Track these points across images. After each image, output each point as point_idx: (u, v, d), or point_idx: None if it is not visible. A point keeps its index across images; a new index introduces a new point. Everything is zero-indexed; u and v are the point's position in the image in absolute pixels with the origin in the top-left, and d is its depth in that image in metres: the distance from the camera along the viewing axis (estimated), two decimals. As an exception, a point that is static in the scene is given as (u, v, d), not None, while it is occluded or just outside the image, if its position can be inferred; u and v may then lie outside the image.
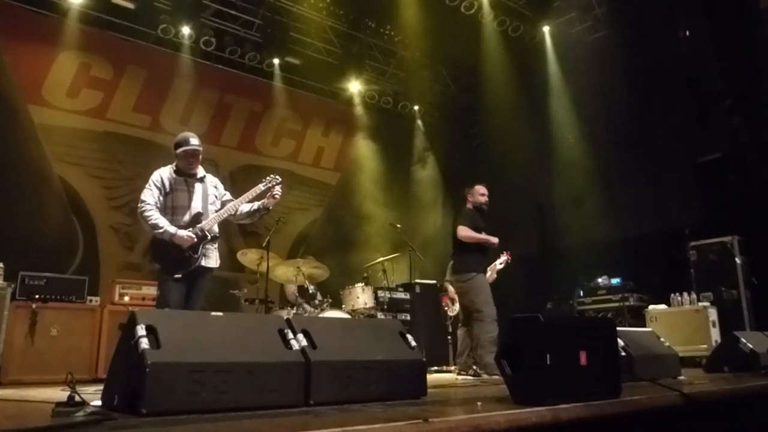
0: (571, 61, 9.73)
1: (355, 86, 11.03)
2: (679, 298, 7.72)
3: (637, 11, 8.76)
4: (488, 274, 7.84)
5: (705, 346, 7.08)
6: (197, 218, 4.41)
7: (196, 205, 4.45)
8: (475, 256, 5.81)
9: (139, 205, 4.37)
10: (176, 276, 4.26)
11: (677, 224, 8.31)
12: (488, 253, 6.00)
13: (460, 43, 10.07)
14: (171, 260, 4.28)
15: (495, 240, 5.87)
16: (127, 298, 6.79)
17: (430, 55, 10.64)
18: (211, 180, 4.67)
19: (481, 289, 5.72)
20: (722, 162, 8.28)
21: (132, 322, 2.57)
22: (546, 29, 10.08)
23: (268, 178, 4.59)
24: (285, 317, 3.09)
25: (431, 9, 9.32)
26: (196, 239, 4.30)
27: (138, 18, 8.74)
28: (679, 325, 7.31)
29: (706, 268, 7.84)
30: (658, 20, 8.74)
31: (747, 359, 5.01)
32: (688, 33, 8.61)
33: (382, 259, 8.06)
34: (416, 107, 11.92)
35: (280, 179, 4.61)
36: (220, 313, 2.88)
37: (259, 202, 4.55)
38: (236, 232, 9.48)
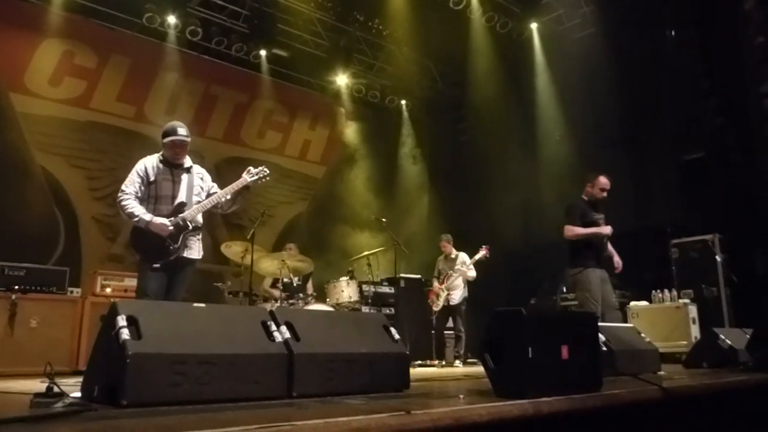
0: (558, 59, 9.78)
1: (342, 79, 11.00)
2: (661, 295, 7.81)
3: (625, 10, 8.81)
4: (465, 268, 7.86)
5: (685, 342, 7.17)
6: (180, 208, 4.35)
7: (180, 195, 4.38)
8: (582, 250, 5.56)
9: (118, 194, 4.32)
10: (155, 266, 4.19)
11: (660, 222, 8.39)
12: (600, 246, 5.62)
13: (448, 39, 10.08)
14: (151, 249, 4.22)
15: (605, 230, 5.56)
16: (108, 290, 6.73)
17: (418, 50, 10.63)
18: (198, 171, 4.58)
19: (584, 285, 5.50)
20: (705, 161, 8.36)
21: (113, 312, 2.54)
22: (534, 26, 10.12)
23: (256, 170, 4.50)
24: (268, 309, 3.07)
25: (420, 3, 9.33)
26: (173, 227, 4.24)
27: (123, 6, 8.64)
28: (659, 322, 7.39)
29: (688, 265, 7.93)
30: (645, 19, 8.79)
31: (726, 355, 5.07)
32: (674, 33, 8.68)
33: (367, 253, 8.06)
34: (403, 102, 11.92)
35: (268, 172, 4.53)
36: (203, 305, 2.86)
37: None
38: (220, 225, 9.44)
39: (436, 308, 7.94)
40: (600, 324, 3.62)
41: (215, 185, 4.64)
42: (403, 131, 12.04)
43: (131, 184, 4.31)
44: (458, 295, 7.88)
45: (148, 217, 4.20)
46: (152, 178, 4.35)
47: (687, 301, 7.63)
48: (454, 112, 11.96)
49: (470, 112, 11.22)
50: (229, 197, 4.47)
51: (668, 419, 2.84)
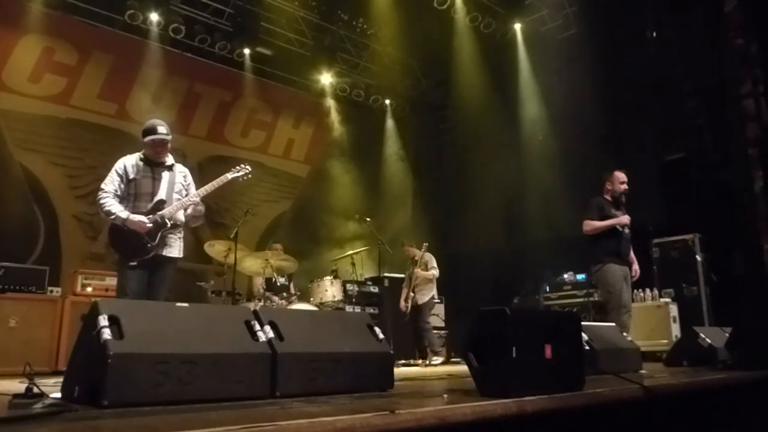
0: (541, 59, 9.84)
1: (326, 78, 10.98)
2: (642, 294, 7.89)
3: (607, 11, 8.89)
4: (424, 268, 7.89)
5: (666, 341, 7.26)
6: (159, 205, 4.31)
7: (160, 193, 4.35)
8: (602, 245, 5.48)
9: (97, 193, 4.29)
10: (132, 263, 4.16)
11: (641, 221, 8.48)
12: (621, 241, 5.52)
13: (432, 38, 10.10)
14: (129, 247, 4.19)
15: (623, 219, 5.47)
16: (89, 289, 6.66)
17: (402, 49, 10.64)
18: (181, 170, 4.56)
19: (605, 281, 5.44)
20: (686, 161, 8.47)
21: (94, 311, 2.50)
22: (517, 26, 10.19)
23: (237, 167, 4.52)
24: (252, 308, 3.06)
25: (404, 3, 9.34)
26: (151, 224, 4.20)
27: (104, 2, 8.55)
28: (641, 321, 7.45)
29: (669, 265, 8.02)
30: (628, 21, 8.88)
31: (705, 354, 5.14)
32: (655, 34, 8.77)
33: (351, 252, 8.06)
34: (387, 101, 11.92)
35: (250, 169, 4.55)
36: (186, 304, 2.83)
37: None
38: (204, 224, 9.33)
39: (407, 312, 8.00)
40: (583, 323, 3.65)
41: (193, 184, 4.61)
42: (387, 130, 12.05)
43: (110, 183, 4.29)
44: (425, 294, 7.93)
45: (124, 214, 4.17)
46: (132, 176, 4.32)
47: (668, 300, 7.72)
48: (438, 112, 11.99)
49: (454, 112, 11.26)
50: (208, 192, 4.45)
51: (650, 417, 2.87)
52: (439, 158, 11.58)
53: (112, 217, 4.18)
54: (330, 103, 11.25)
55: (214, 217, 9.24)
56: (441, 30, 9.85)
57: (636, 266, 5.75)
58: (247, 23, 9.41)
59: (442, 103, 11.73)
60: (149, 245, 4.21)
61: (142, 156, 4.41)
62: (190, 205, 4.39)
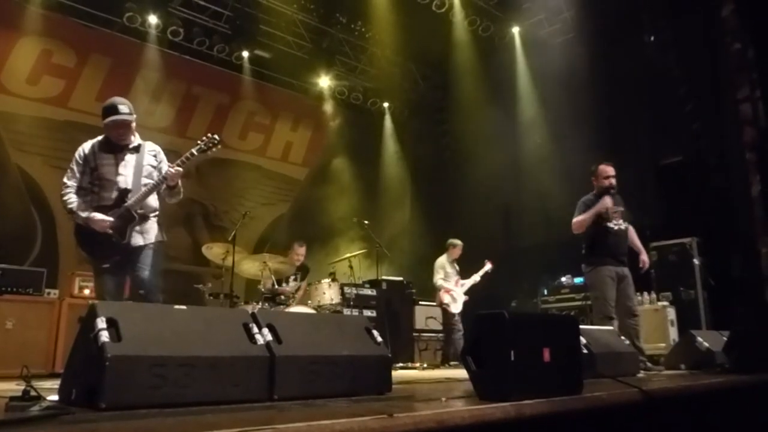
0: (539, 62, 9.86)
1: (324, 81, 11.00)
2: (640, 298, 7.87)
3: (605, 15, 8.92)
4: (464, 286, 7.86)
5: (663, 344, 7.25)
6: (123, 196, 3.88)
7: (125, 180, 3.91)
8: (594, 245, 5.39)
9: (61, 188, 3.92)
10: (104, 266, 3.80)
11: (639, 225, 8.48)
12: (615, 240, 5.38)
13: (431, 42, 10.13)
14: (97, 247, 3.82)
15: (604, 201, 5.31)
16: (87, 291, 6.64)
17: (401, 52, 10.66)
18: (151, 149, 4.09)
19: (595, 284, 5.37)
20: (683, 165, 8.49)
21: (92, 314, 2.49)
22: (516, 30, 10.21)
23: (204, 138, 4.02)
24: (250, 311, 3.05)
25: (402, 6, 9.36)
26: (116, 220, 3.80)
27: (102, 5, 8.56)
28: (638, 324, 7.45)
29: (666, 268, 8.02)
30: (625, 25, 8.92)
31: (703, 357, 5.13)
32: (653, 38, 8.80)
33: (349, 255, 8.04)
34: (386, 104, 11.94)
35: (218, 139, 4.09)
36: (184, 306, 2.83)
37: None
38: (201, 227, 9.35)
39: (455, 310, 7.92)
40: (581, 327, 3.64)
41: (165, 160, 4.17)
42: (386, 133, 12.06)
43: (72, 176, 3.90)
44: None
45: (85, 213, 3.79)
46: (93, 164, 3.91)
47: (666, 303, 7.72)
48: (436, 115, 12.01)
49: (452, 115, 11.28)
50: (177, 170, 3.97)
51: (648, 420, 2.87)
52: (437, 161, 11.59)
53: (75, 216, 3.83)
54: (328, 105, 11.26)
55: (212, 220, 9.23)
56: (439, 33, 9.88)
57: (644, 256, 5.67)
58: (246, 26, 9.43)
59: (440, 106, 11.75)
60: (119, 244, 3.82)
61: (103, 139, 3.97)
62: (156, 189, 3.96)
